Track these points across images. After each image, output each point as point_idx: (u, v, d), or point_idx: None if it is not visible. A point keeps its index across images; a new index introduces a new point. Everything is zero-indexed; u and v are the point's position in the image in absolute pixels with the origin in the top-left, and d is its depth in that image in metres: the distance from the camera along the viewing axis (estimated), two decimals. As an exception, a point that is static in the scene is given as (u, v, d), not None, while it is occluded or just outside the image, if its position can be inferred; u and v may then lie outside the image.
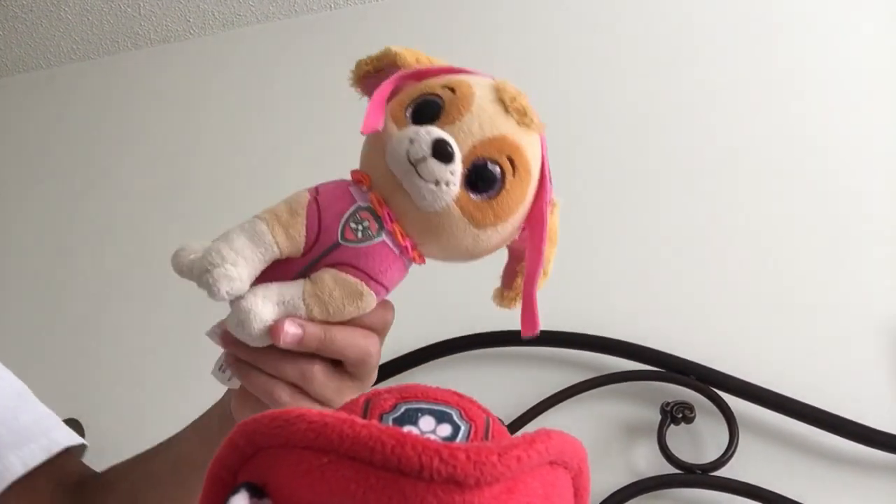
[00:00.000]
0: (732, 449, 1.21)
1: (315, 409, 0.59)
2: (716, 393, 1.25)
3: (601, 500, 1.23)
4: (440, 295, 1.49)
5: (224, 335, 0.56)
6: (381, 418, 0.42)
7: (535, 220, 0.59)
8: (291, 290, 0.54)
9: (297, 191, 0.58)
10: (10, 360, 1.68)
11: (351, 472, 0.38)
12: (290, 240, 0.54)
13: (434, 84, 0.58)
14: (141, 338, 1.61)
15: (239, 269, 0.52)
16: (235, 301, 0.53)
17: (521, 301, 0.63)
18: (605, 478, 1.25)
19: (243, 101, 1.80)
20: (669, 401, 1.26)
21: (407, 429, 0.40)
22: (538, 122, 0.58)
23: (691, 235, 1.42)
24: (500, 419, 0.43)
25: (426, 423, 0.41)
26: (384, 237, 0.55)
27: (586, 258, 1.45)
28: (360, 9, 1.82)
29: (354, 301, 0.55)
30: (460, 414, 0.42)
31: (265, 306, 0.53)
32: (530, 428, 1.29)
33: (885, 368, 1.26)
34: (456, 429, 0.41)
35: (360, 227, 0.55)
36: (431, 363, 1.38)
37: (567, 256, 1.49)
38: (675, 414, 1.25)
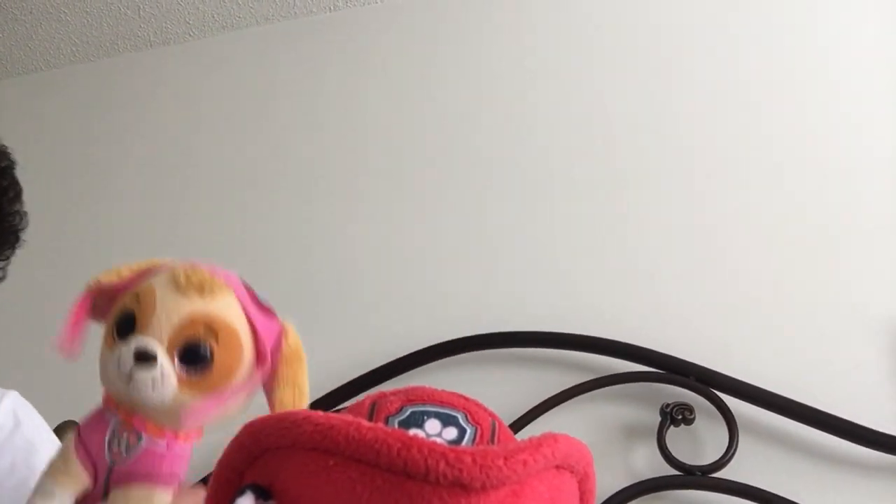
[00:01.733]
0: (732, 450, 1.21)
1: None
2: (715, 394, 1.25)
3: (601, 501, 1.23)
4: (441, 297, 1.49)
5: None
6: (386, 421, 0.42)
7: (260, 360, 0.65)
8: None
9: (66, 438, 0.64)
10: (10, 361, 1.69)
11: (357, 474, 0.38)
12: (76, 480, 0.62)
13: (126, 297, 0.64)
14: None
15: None
16: None
17: None
18: (605, 479, 1.25)
19: (243, 103, 1.80)
20: (669, 402, 1.26)
21: (413, 431, 0.40)
22: (221, 283, 0.63)
23: (691, 236, 1.42)
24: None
25: (432, 425, 0.41)
26: (145, 442, 0.62)
27: (586, 260, 1.45)
28: (358, 11, 1.82)
29: (146, 502, 0.63)
30: (466, 417, 0.42)
31: None
32: (530, 429, 1.29)
33: (885, 370, 1.26)
34: (462, 432, 0.41)
35: (122, 445, 0.62)
36: (432, 365, 1.38)
37: (567, 258, 1.50)
38: (675, 415, 1.25)
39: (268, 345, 0.65)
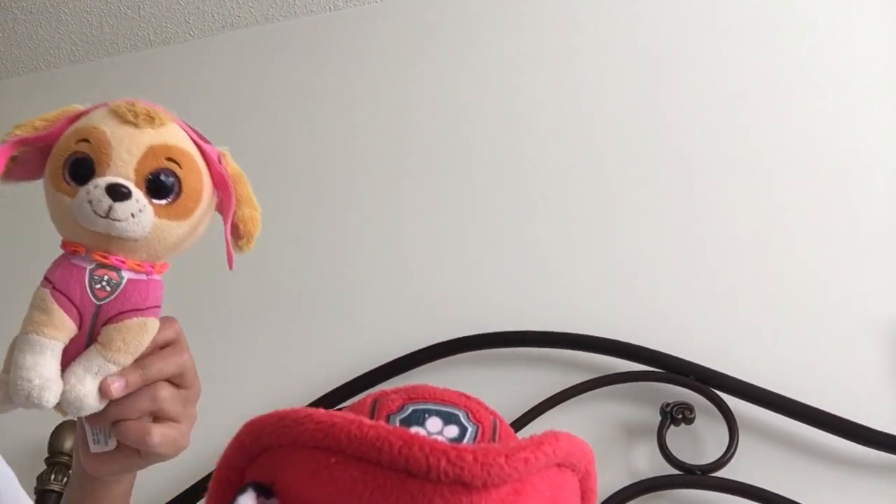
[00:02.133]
0: (732, 449, 1.21)
1: (169, 430, 0.65)
2: (716, 393, 1.25)
3: (601, 500, 1.23)
4: (441, 296, 1.49)
5: (90, 419, 0.66)
6: (388, 419, 0.42)
7: (219, 182, 0.68)
8: (93, 359, 0.63)
9: (35, 293, 0.65)
10: None
11: (358, 472, 0.38)
12: (61, 329, 0.63)
13: (68, 143, 0.65)
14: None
15: (43, 378, 0.61)
16: (62, 397, 0.62)
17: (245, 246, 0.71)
18: (605, 478, 1.25)
19: (243, 103, 1.80)
20: (669, 401, 1.26)
21: (414, 430, 0.40)
22: (164, 113, 0.66)
23: (691, 236, 1.42)
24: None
25: (433, 424, 0.41)
26: (126, 276, 0.64)
27: (585, 259, 1.45)
28: (359, 10, 1.82)
29: (141, 334, 0.64)
30: (467, 415, 0.42)
31: (84, 386, 0.62)
32: (531, 428, 1.29)
33: (886, 369, 1.26)
34: (463, 430, 0.41)
35: (104, 283, 0.64)
36: (433, 364, 1.38)
37: (567, 258, 1.50)
38: (675, 414, 1.25)
39: (216, 166, 0.68)
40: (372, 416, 0.43)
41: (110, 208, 0.61)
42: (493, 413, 0.45)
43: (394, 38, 1.77)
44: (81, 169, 0.63)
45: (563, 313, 1.39)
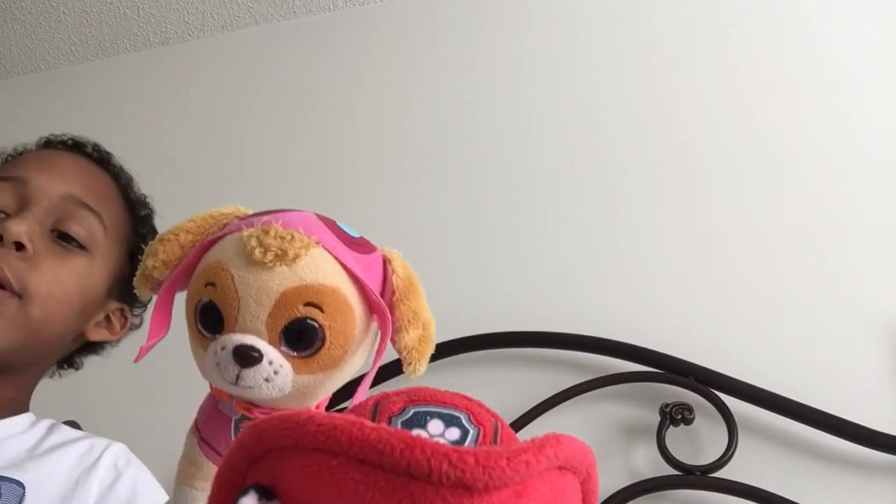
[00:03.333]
0: (731, 450, 1.22)
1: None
2: (715, 394, 1.25)
3: (601, 501, 1.23)
4: (440, 297, 1.49)
5: None
6: (389, 421, 0.42)
7: (375, 310, 0.56)
8: None
9: (186, 439, 0.60)
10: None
11: (360, 474, 0.38)
12: (210, 479, 0.55)
13: (198, 285, 0.54)
14: (140, 338, 1.60)
15: None
16: None
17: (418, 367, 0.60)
18: (605, 479, 1.25)
19: (241, 103, 1.80)
20: (668, 402, 1.27)
21: (416, 432, 0.40)
22: (301, 242, 0.53)
23: (690, 236, 1.42)
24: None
25: (435, 426, 0.41)
26: None
27: (585, 259, 1.45)
28: (358, 10, 1.82)
29: None
30: (469, 418, 0.42)
31: None
32: (531, 429, 1.29)
33: (885, 369, 1.27)
34: (465, 432, 0.41)
35: None
36: (433, 365, 1.37)
37: (567, 258, 1.50)
38: (675, 415, 1.25)
39: (376, 287, 0.56)
40: (373, 419, 0.43)
41: (238, 376, 0.52)
42: (494, 415, 0.45)
43: (392, 38, 1.77)
44: (209, 317, 0.53)
45: (564, 314, 1.39)
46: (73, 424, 1.48)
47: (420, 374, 0.59)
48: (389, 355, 1.52)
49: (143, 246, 0.61)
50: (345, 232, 0.58)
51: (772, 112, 1.48)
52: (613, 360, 1.33)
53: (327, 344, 0.53)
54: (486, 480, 0.36)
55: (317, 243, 0.54)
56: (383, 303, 0.55)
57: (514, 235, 1.51)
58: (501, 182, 1.56)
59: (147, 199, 1.07)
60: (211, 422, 0.58)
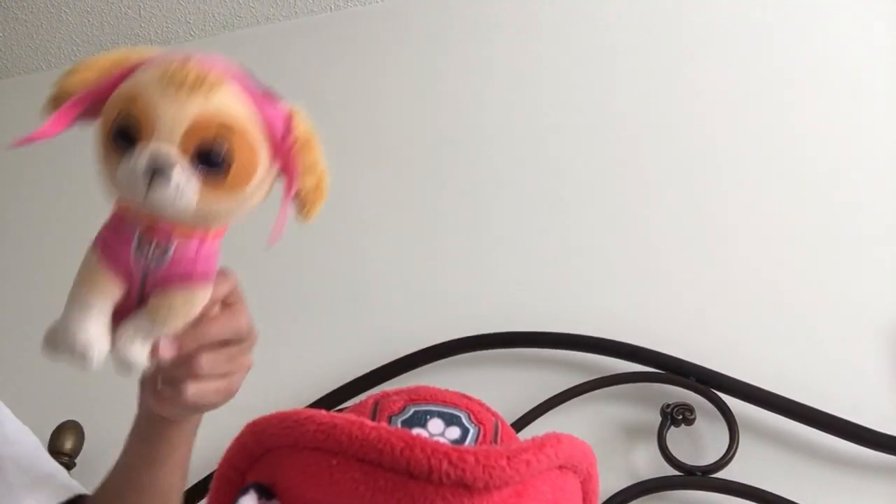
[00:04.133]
0: (733, 451, 1.21)
1: (207, 384, 0.63)
2: (716, 394, 1.25)
3: (601, 501, 1.22)
4: (441, 297, 1.49)
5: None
6: (389, 420, 0.42)
7: (278, 150, 0.62)
8: (142, 323, 0.60)
9: (87, 251, 0.63)
10: (11, 360, 1.69)
11: (360, 473, 0.38)
12: (109, 291, 0.61)
13: (116, 102, 0.59)
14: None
15: (88, 335, 0.59)
16: (112, 356, 0.60)
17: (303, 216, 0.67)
18: (605, 479, 1.24)
19: (244, 103, 1.80)
20: (669, 402, 1.26)
21: (416, 431, 0.40)
22: (217, 75, 0.59)
23: (691, 236, 1.42)
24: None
25: (435, 425, 0.41)
26: (175, 246, 0.60)
27: (586, 259, 1.45)
28: (360, 10, 1.82)
29: (187, 305, 0.61)
30: (469, 416, 0.42)
31: (136, 351, 0.60)
32: (531, 429, 1.29)
33: (886, 370, 1.26)
34: (465, 431, 0.41)
35: (152, 252, 0.60)
36: (432, 365, 1.38)
37: (568, 259, 1.50)
38: (676, 415, 1.25)
39: (279, 132, 0.62)
40: (373, 418, 0.43)
41: (149, 186, 0.56)
42: (494, 414, 0.45)
43: (395, 38, 1.77)
44: (125, 136, 0.57)
45: (564, 314, 1.39)
46: (74, 424, 1.48)
47: (311, 219, 0.65)
48: (391, 354, 1.50)
49: None
50: (257, 81, 0.63)
51: (772, 112, 1.47)
52: (614, 360, 1.32)
53: (233, 170, 0.58)
54: (486, 479, 0.36)
55: (233, 81, 0.60)
56: (290, 144, 0.62)
57: (514, 235, 1.50)
58: (502, 181, 1.56)
59: None
60: (113, 234, 0.61)
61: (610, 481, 1.25)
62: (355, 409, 0.45)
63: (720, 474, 1.21)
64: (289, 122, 0.63)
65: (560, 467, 0.41)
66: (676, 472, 1.23)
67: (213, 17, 1.86)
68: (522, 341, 1.37)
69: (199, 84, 0.58)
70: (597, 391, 1.31)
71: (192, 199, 0.57)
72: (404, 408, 0.44)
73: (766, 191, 1.42)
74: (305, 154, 0.65)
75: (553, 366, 1.37)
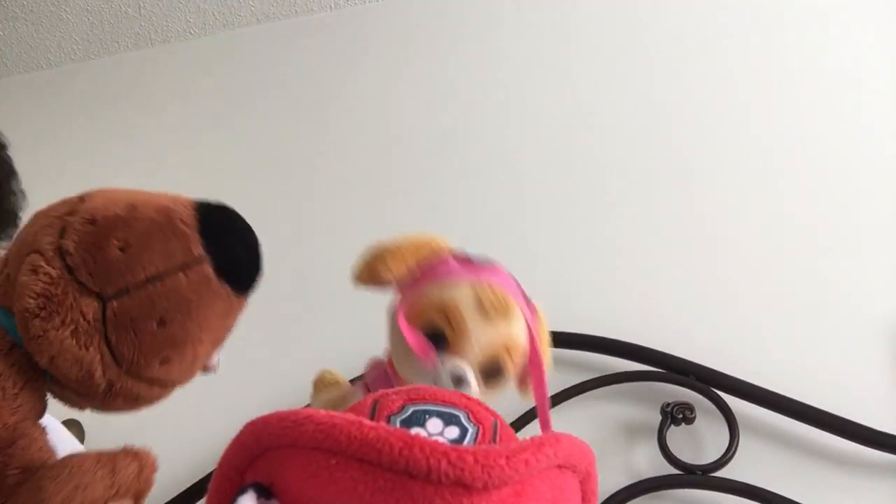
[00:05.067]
0: (733, 449, 1.21)
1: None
2: (716, 393, 1.25)
3: (601, 500, 1.23)
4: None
5: None
6: (388, 420, 0.42)
7: (533, 363, 0.78)
8: None
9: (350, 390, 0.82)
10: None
11: (359, 473, 0.38)
12: None
13: (430, 310, 0.75)
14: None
15: None
16: None
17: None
18: (606, 478, 1.24)
19: (243, 101, 1.80)
20: (670, 401, 1.26)
21: (415, 431, 0.40)
22: (513, 305, 0.76)
23: (692, 236, 1.42)
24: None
25: (434, 425, 0.41)
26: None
27: (587, 259, 1.45)
28: (359, 9, 1.82)
29: None
30: (468, 416, 0.42)
31: None
32: (531, 429, 1.29)
33: (886, 369, 1.26)
34: (464, 431, 0.41)
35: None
36: (432, 364, 1.38)
37: (568, 258, 1.50)
38: (676, 414, 1.25)
39: (534, 342, 0.77)
40: (372, 418, 0.43)
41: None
42: (493, 414, 0.45)
43: (393, 36, 1.77)
44: (437, 341, 0.74)
45: (564, 313, 1.39)
46: (74, 424, 1.48)
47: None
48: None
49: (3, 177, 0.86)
50: (524, 292, 0.80)
51: (773, 113, 1.47)
52: (615, 359, 1.32)
53: (503, 380, 0.76)
54: (485, 479, 0.36)
55: (519, 309, 0.77)
56: (539, 352, 0.78)
57: (514, 234, 1.50)
58: (502, 181, 1.56)
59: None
60: (378, 382, 0.79)
61: (610, 480, 1.25)
62: (354, 409, 0.45)
63: (720, 473, 1.21)
64: (533, 323, 0.79)
65: (559, 466, 0.41)
66: (677, 471, 1.23)
67: (213, 15, 1.86)
68: (522, 340, 1.37)
69: (504, 314, 0.75)
70: (597, 390, 1.31)
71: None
72: (403, 407, 0.44)
73: (766, 191, 1.42)
74: (544, 339, 0.82)
75: (554, 364, 1.37)
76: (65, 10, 1.84)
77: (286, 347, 1.51)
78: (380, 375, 0.80)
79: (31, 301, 0.55)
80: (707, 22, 1.57)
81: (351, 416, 0.39)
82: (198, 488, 1.37)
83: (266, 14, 1.86)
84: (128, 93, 1.90)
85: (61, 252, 0.56)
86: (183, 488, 1.38)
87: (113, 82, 1.92)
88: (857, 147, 1.41)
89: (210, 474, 0.54)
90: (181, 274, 0.57)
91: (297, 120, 1.75)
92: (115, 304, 0.56)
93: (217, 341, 0.63)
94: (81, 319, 0.55)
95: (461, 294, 0.75)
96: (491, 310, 0.74)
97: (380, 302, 1.53)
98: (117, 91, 1.91)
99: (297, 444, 0.41)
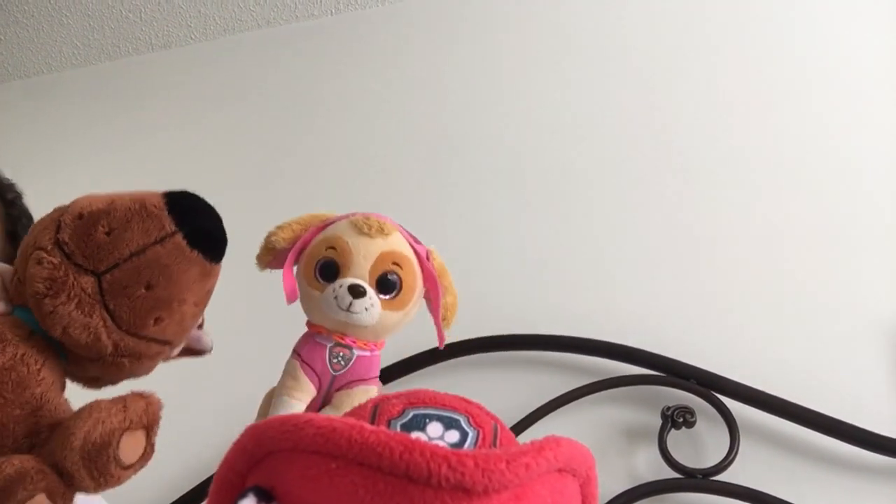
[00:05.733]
0: (733, 453, 1.21)
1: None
2: (716, 397, 1.25)
3: (601, 504, 1.23)
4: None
5: None
6: (389, 424, 0.42)
7: (428, 279, 0.86)
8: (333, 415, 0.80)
9: (287, 362, 0.87)
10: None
11: (359, 477, 0.38)
12: (306, 393, 0.84)
13: (319, 249, 0.85)
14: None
15: None
16: None
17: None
18: (606, 482, 1.24)
19: (244, 106, 1.80)
20: (670, 405, 1.26)
21: (415, 435, 0.40)
22: (390, 225, 0.85)
23: (692, 239, 1.42)
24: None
25: (434, 429, 0.41)
26: (356, 353, 0.84)
27: (587, 262, 1.45)
28: (360, 14, 1.82)
29: (367, 396, 0.81)
30: (468, 420, 0.42)
31: None
32: (532, 432, 1.29)
33: (886, 372, 1.26)
34: (464, 435, 0.41)
35: (339, 358, 0.84)
36: (433, 367, 1.38)
37: (568, 261, 1.50)
38: (676, 418, 1.25)
39: (426, 264, 0.86)
40: (373, 421, 0.43)
41: (350, 304, 0.80)
42: (493, 417, 0.45)
43: (394, 41, 1.77)
44: (329, 270, 0.83)
45: (564, 317, 1.39)
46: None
47: (450, 327, 0.90)
48: (391, 357, 1.51)
49: (18, 227, 1.00)
50: (413, 236, 0.88)
51: (770, 114, 1.47)
52: (615, 363, 1.33)
53: (402, 292, 0.83)
54: (485, 483, 0.36)
55: (397, 229, 0.86)
56: (434, 271, 0.86)
57: (514, 238, 1.50)
58: (503, 184, 1.56)
59: (13, 183, 1.12)
60: (309, 349, 0.85)
61: (611, 484, 1.25)
62: (354, 413, 0.45)
63: (721, 477, 1.21)
64: (429, 256, 0.87)
65: (559, 470, 0.41)
66: (677, 475, 1.23)
67: (214, 20, 1.86)
68: (523, 344, 1.37)
69: (380, 231, 0.83)
70: (597, 394, 1.31)
71: (376, 315, 0.82)
72: (403, 411, 0.44)
73: (765, 192, 1.42)
74: (443, 279, 0.88)
75: (553, 369, 1.37)
76: (66, 15, 1.84)
77: (287, 351, 1.51)
78: (306, 340, 0.86)
79: (40, 285, 0.67)
80: (707, 23, 1.58)
81: (351, 420, 0.39)
82: (198, 491, 1.37)
83: (267, 19, 1.86)
84: (128, 98, 1.90)
85: (59, 244, 0.69)
86: (183, 492, 1.38)
87: (114, 87, 1.92)
88: (856, 149, 1.41)
89: (211, 477, 0.54)
90: (158, 246, 0.69)
91: (297, 124, 1.75)
92: (108, 276, 0.68)
93: (200, 303, 0.75)
94: (83, 293, 0.68)
95: (340, 225, 0.85)
96: (366, 227, 0.83)
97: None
98: (118, 96, 1.91)
99: (298, 448, 0.41)
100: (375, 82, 1.74)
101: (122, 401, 0.68)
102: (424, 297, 0.88)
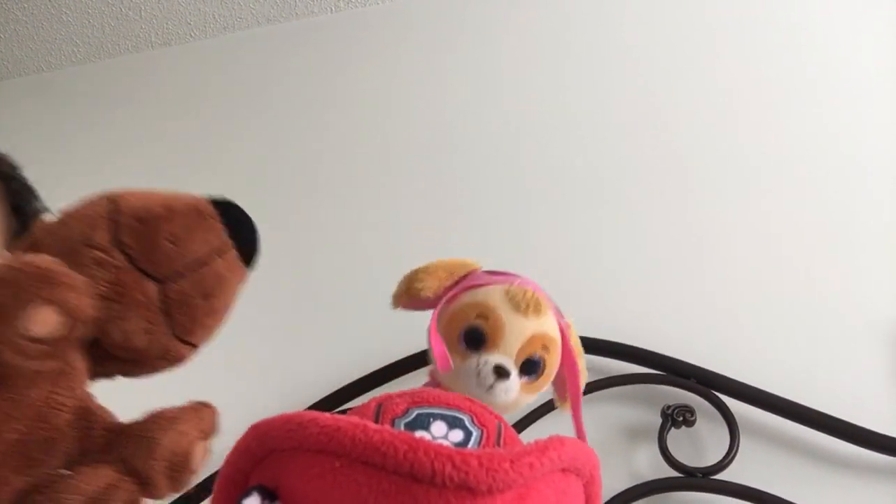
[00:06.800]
0: (733, 452, 1.21)
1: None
2: (717, 396, 1.25)
3: (602, 502, 1.23)
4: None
5: None
6: (393, 423, 0.42)
7: (567, 361, 0.83)
8: None
9: None
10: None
11: (363, 476, 0.38)
12: None
13: (468, 314, 0.79)
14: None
15: None
16: None
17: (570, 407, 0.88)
18: (606, 481, 1.23)
19: (244, 104, 1.80)
20: (670, 404, 1.26)
21: (419, 434, 0.40)
22: (545, 304, 0.81)
23: (692, 238, 1.42)
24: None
25: (438, 428, 0.41)
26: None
27: (588, 262, 1.45)
28: (360, 12, 1.82)
29: None
30: (472, 419, 0.42)
31: None
32: (533, 431, 1.29)
33: (886, 371, 1.26)
34: (468, 434, 0.41)
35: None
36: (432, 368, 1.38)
37: (568, 261, 1.50)
38: (676, 417, 1.25)
39: (567, 343, 0.83)
40: (377, 420, 0.43)
41: (492, 386, 0.74)
42: (497, 416, 0.45)
43: (394, 39, 1.77)
44: (475, 340, 0.77)
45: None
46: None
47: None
48: (394, 356, 1.50)
49: (22, 201, 0.97)
50: (555, 305, 0.86)
51: (770, 115, 1.47)
52: (615, 361, 1.32)
53: (542, 376, 0.80)
54: (489, 483, 0.36)
55: (549, 307, 0.82)
56: (573, 351, 0.84)
57: (514, 237, 1.50)
58: (502, 184, 1.56)
59: (8, 156, 1.09)
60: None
61: (611, 482, 1.25)
62: (358, 412, 0.45)
63: (721, 476, 1.21)
64: (566, 331, 0.84)
65: (563, 470, 0.41)
66: (677, 474, 1.23)
67: (214, 18, 1.86)
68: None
69: (536, 310, 0.79)
70: (597, 392, 1.31)
71: (513, 396, 0.77)
72: (407, 410, 0.44)
73: (765, 191, 1.42)
74: (579, 360, 0.86)
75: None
76: (65, 13, 1.84)
77: (290, 350, 1.51)
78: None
79: (104, 288, 0.67)
80: (708, 25, 1.57)
81: (355, 419, 0.39)
82: (202, 489, 1.36)
83: (267, 17, 1.86)
84: (128, 95, 1.90)
85: (119, 245, 0.69)
86: (187, 489, 1.38)
87: (113, 85, 1.92)
88: (857, 149, 1.41)
89: (214, 475, 0.54)
90: (218, 257, 0.70)
91: (297, 122, 1.75)
92: (172, 284, 0.68)
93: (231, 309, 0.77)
94: (146, 299, 0.68)
95: (495, 294, 0.80)
96: (523, 305, 0.78)
97: (382, 304, 1.53)
98: (118, 94, 1.91)
99: (302, 447, 0.41)
100: (376, 80, 1.73)
101: (196, 411, 0.68)
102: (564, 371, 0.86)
